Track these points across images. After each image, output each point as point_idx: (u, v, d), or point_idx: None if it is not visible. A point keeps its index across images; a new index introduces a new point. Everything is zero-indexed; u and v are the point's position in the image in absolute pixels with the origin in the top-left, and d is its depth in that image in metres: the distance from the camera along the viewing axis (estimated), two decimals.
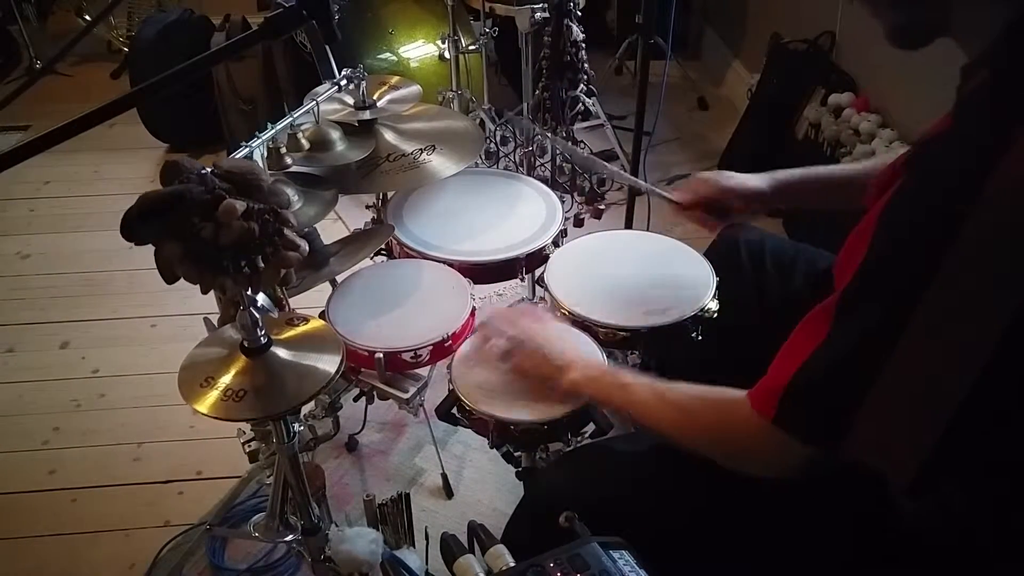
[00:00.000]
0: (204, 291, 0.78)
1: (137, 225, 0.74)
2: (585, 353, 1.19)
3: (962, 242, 0.64)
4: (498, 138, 2.49)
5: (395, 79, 1.54)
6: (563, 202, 1.58)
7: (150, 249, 0.77)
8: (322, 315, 1.32)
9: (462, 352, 1.24)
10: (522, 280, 1.58)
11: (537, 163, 2.34)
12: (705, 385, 0.92)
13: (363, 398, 1.44)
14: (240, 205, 0.75)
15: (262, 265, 0.78)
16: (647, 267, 1.36)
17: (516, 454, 1.25)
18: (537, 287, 1.74)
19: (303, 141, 1.28)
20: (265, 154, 1.20)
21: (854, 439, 0.73)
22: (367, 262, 1.43)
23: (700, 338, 1.25)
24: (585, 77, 2.26)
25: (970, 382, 0.66)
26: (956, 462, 0.71)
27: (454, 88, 2.45)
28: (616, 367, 1.13)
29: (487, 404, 1.15)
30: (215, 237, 0.74)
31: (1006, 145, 0.63)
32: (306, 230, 1.24)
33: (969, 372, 0.66)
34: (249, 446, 1.25)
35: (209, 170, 0.77)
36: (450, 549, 0.83)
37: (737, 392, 0.85)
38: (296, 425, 1.01)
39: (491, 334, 1.20)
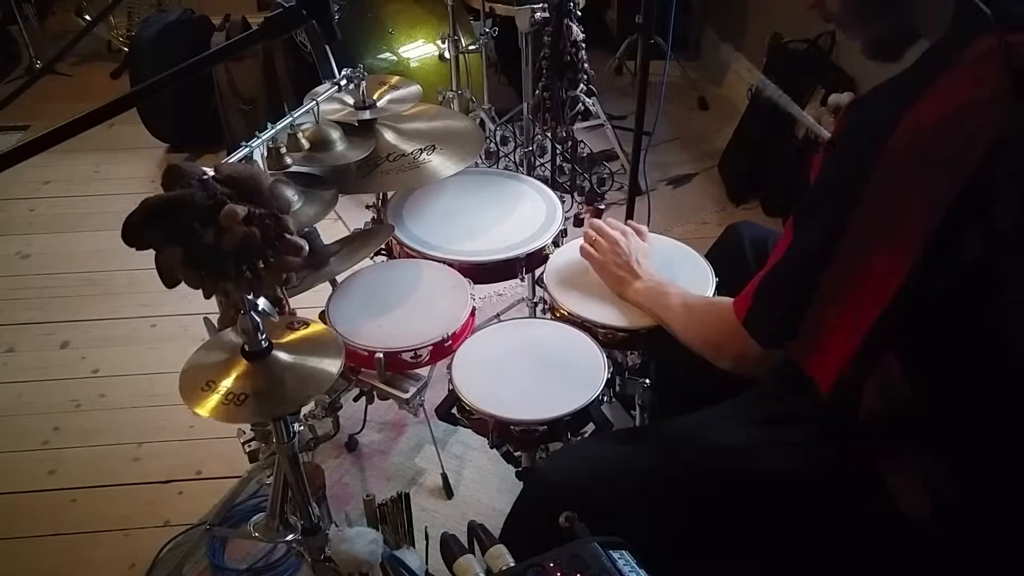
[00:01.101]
0: (206, 296, 0.78)
1: (138, 230, 0.74)
2: (583, 360, 1.24)
3: (874, 178, 0.73)
4: (498, 138, 2.49)
5: (395, 79, 1.54)
6: (563, 202, 1.58)
7: (151, 250, 0.77)
8: (322, 315, 1.32)
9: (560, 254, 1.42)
10: (522, 280, 1.58)
11: (537, 163, 2.34)
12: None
13: (363, 398, 1.44)
14: (241, 210, 0.75)
15: (263, 269, 0.78)
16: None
17: (516, 454, 1.25)
18: (537, 287, 1.74)
19: (303, 141, 1.28)
20: (265, 154, 1.20)
21: (798, 341, 0.84)
22: (367, 262, 1.43)
23: None
24: (585, 77, 2.26)
25: (887, 297, 0.75)
26: (870, 371, 0.81)
27: (454, 88, 2.45)
28: (675, 286, 1.22)
29: (488, 404, 1.15)
30: (216, 242, 0.74)
31: (909, 107, 0.71)
32: (306, 230, 1.24)
33: (886, 289, 0.75)
34: (249, 446, 1.25)
35: (210, 175, 0.77)
36: (450, 549, 0.83)
37: (728, 300, 0.98)
38: (296, 425, 1.01)
39: (592, 231, 1.35)
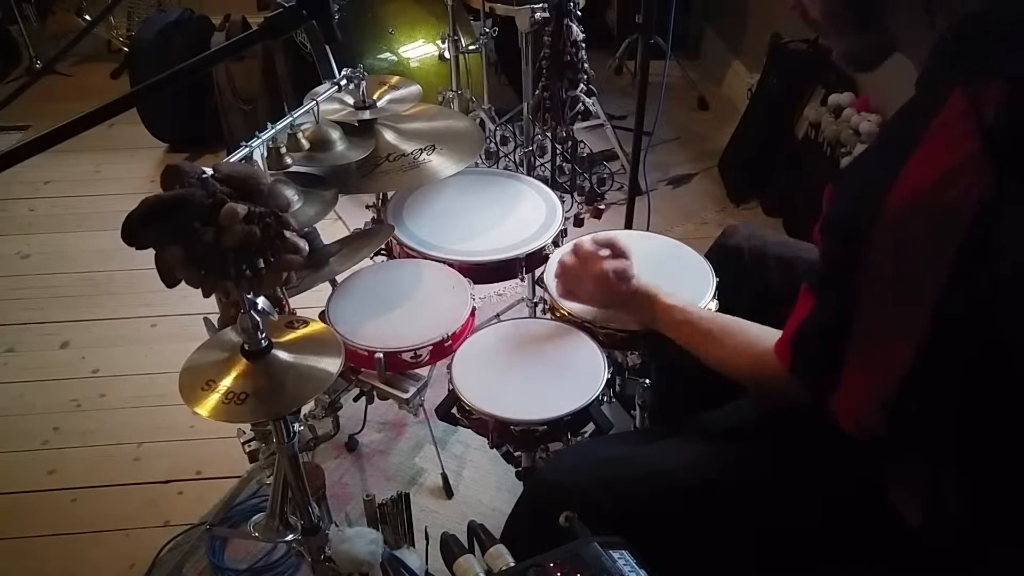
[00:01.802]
0: (206, 295, 0.78)
1: (138, 229, 0.74)
2: (582, 361, 1.23)
3: (874, 254, 0.73)
4: (498, 138, 2.49)
5: (395, 79, 1.54)
6: (563, 202, 1.58)
7: (151, 249, 0.77)
8: (322, 315, 1.32)
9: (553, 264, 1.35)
10: (522, 280, 1.58)
11: (537, 163, 2.34)
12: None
13: (363, 398, 1.44)
14: (241, 209, 0.75)
15: (263, 268, 0.78)
16: (647, 267, 1.35)
17: (516, 454, 1.25)
18: (537, 287, 1.74)
19: (303, 141, 1.28)
20: (265, 154, 1.20)
21: (838, 397, 0.82)
22: (367, 262, 1.43)
23: None
24: (585, 77, 2.26)
25: (914, 350, 0.75)
26: (916, 417, 0.80)
27: (454, 88, 2.44)
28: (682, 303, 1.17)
29: (488, 404, 1.15)
30: (216, 241, 0.74)
31: (901, 165, 0.71)
32: (306, 230, 1.24)
33: (907, 347, 0.75)
34: (249, 446, 1.25)
35: (210, 174, 0.77)
36: (450, 549, 0.83)
37: (768, 340, 0.96)
38: (296, 425, 1.01)
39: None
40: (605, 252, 1.26)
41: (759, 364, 0.97)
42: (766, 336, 0.97)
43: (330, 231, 1.41)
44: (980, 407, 0.78)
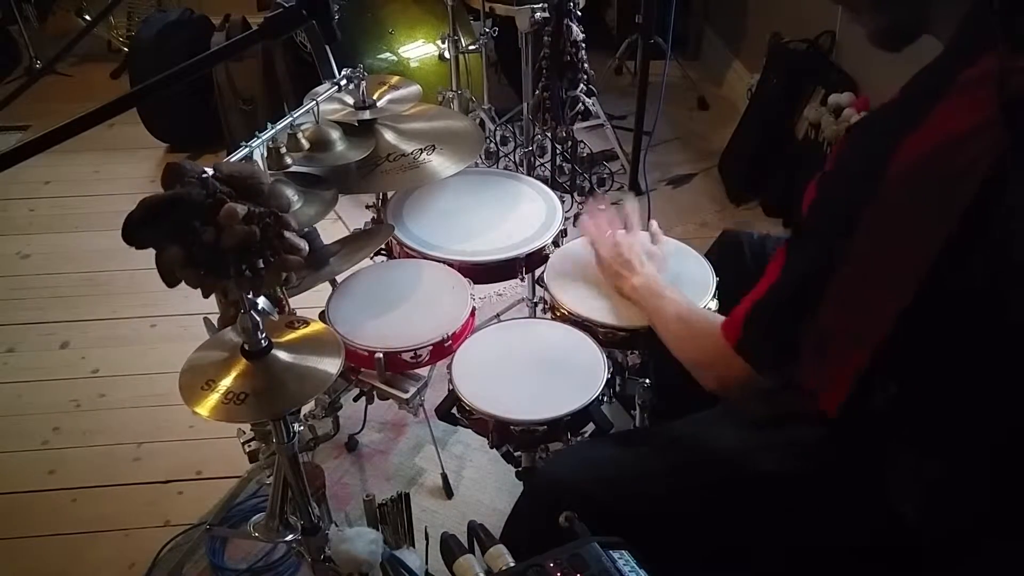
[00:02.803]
0: (205, 295, 0.78)
1: (138, 229, 0.74)
2: (582, 361, 1.23)
3: (874, 204, 0.72)
4: (498, 138, 2.49)
5: (395, 79, 1.54)
6: (563, 202, 1.58)
7: (151, 250, 0.77)
8: (322, 315, 1.32)
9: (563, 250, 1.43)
10: (522, 280, 1.58)
11: (537, 163, 2.34)
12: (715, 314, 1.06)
13: (363, 398, 1.44)
14: (241, 209, 0.75)
15: (263, 268, 0.78)
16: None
17: (516, 454, 1.25)
18: (537, 287, 1.74)
19: (303, 141, 1.28)
20: (265, 154, 1.20)
21: (798, 367, 0.82)
22: (367, 262, 1.43)
23: None
24: (585, 77, 2.27)
25: (887, 325, 0.74)
26: (877, 392, 0.81)
27: (454, 88, 2.44)
28: (673, 289, 1.20)
29: (488, 404, 1.15)
30: (216, 241, 0.74)
31: (919, 121, 0.70)
32: (306, 230, 1.24)
33: (886, 316, 0.74)
34: (249, 446, 1.25)
35: (210, 174, 0.77)
36: (450, 549, 0.83)
37: (719, 319, 0.95)
38: (296, 425, 1.01)
39: (600, 232, 1.34)
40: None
41: (714, 346, 0.93)
42: (718, 317, 0.97)
43: (330, 231, 1.41)
44: (972, 394, 0.78)
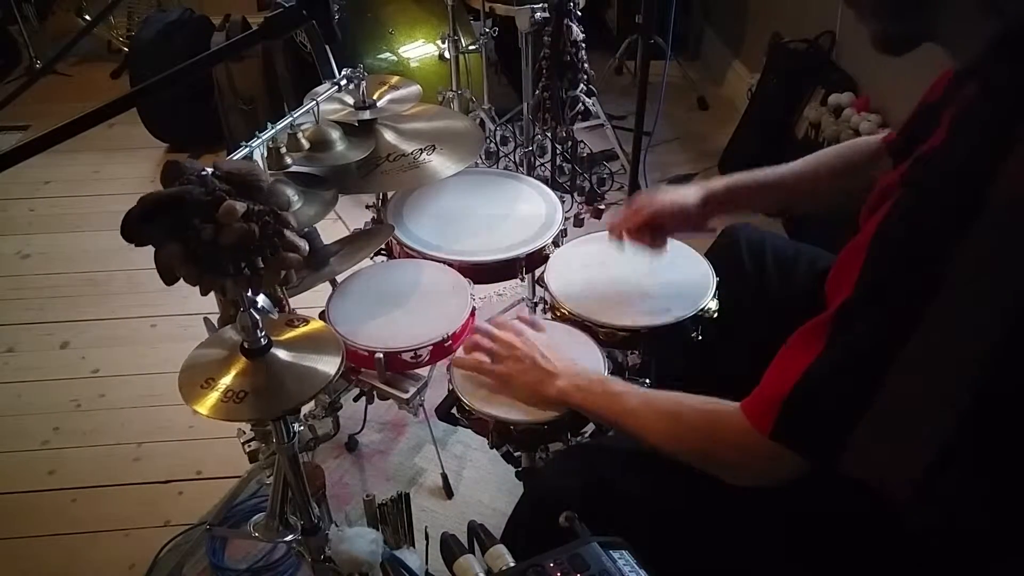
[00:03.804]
0: (204, 293, 0.78)
1: (137, 226, 0.74)
2: (582, 362, 1.16)
3: (961, 258, 0.64)
4: (498, 138, 2.49)
5: (395, 79, 1.54)
6: (563, 202, 1.58)
7: (150, 249, 0.77)
8: (322, 315, 1.32)
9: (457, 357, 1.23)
10: (522, 280, 1.58)
11: (537, 163, 2.34)
12: (694, 395, 0.92)
13: (363, 398, 1.44)
14: (240, 207, 0.75)
15: (262, 266, 0.78)
16: (647, 267, 1.36)
17: (516, 454, 1.25)
18: (537, 287, 1.74)
19: (303, 141, 1.28)
20: (265, 154, 1.20)
21: (852, 453, 0.73)
22: (367, 262, 1.42)
23: (700, 338, 1.25)
24: (585, 77, 2.27)
25: (968, 400, 0.66)
26: (955, 475, 0.72)
27: (454, 88, 2.45)
28: (608, 377, 1.11)
29: (487, 405, 1.15)
30: (215, 239, 0.74)
31: (1004, 160, 0.63)
32: (306, 230, 1.24)
33: (967, 390, 0.66)
34: (249, 446, 1.25)
35: (209, 171, 0.77)
36: (450, 549, 0.83)
37: (729, 404, 0.85)
38: (296, 425, 1.01)
39: (481, 341, 1.19)
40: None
41: (719, 429, 0.85)
42: (721, 401, 0.88)
43: (330, 231, 1.41)
44: (994, 412, 0.74)
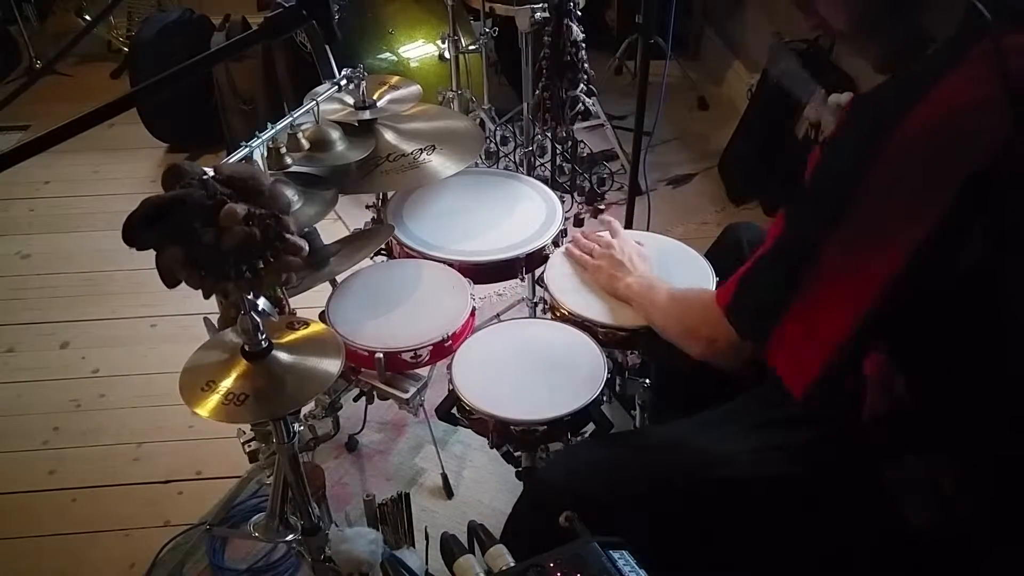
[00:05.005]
0: (206, 296, 0.78)
1: (139, 230, 0.74)
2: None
3: (874, 173, 0.73)
4: (498, 138, 2.49)
5: (395, 79, 1.54)
6: (563, 202, 1.58)
7: (151, 250, 0.77)
8: (322, 315, 1.32)
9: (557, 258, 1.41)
10: (522, 280, 1.58)
11: (537, 163, 2.34)
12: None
13: (363, 398, 1.44)
14: (241, 210, 0.75)
15: (263, 269, 0.78)
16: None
17: (516, 454, 1.25)
18: (537, 287, 1.74)
19: (303, 141, 1.28)
20: (265, 154, 1.20)
21: (776, 337, 0.83)
22: (367, 262, 1.43)
23: None
24: (585, 77, 2.26)
25: (873, 296, 0.75)
26: (844, 380, 0.82)
27: (454, 88, 2.44)
28: (663, 286, 1.22)
29: (487, 404, 1.15)
30: (217, 242, 0.74)
31: (916, 101, 0.71)
32: (306, 230, 1.24)
33: (874, 287, 0.75)
34: (249, 446, 1.25)
35: (210, 175, 0.77)
36: (450, 549, 0.83)
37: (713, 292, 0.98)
38: (296, 425, 1.01)
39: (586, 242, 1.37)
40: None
41: (703, 312, 0.97)
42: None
43: (330, 231, 1.41)
44: (971, 392, 0.77)
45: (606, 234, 1.37)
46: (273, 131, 1.20)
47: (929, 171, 0.71)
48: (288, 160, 1.24)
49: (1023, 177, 0.68)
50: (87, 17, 3.62)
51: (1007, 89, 0.67)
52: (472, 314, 1.32)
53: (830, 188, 0.79)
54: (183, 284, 0.78)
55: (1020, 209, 0.69)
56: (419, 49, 2.70)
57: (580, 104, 2.38)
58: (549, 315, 1.37)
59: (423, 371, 1.31)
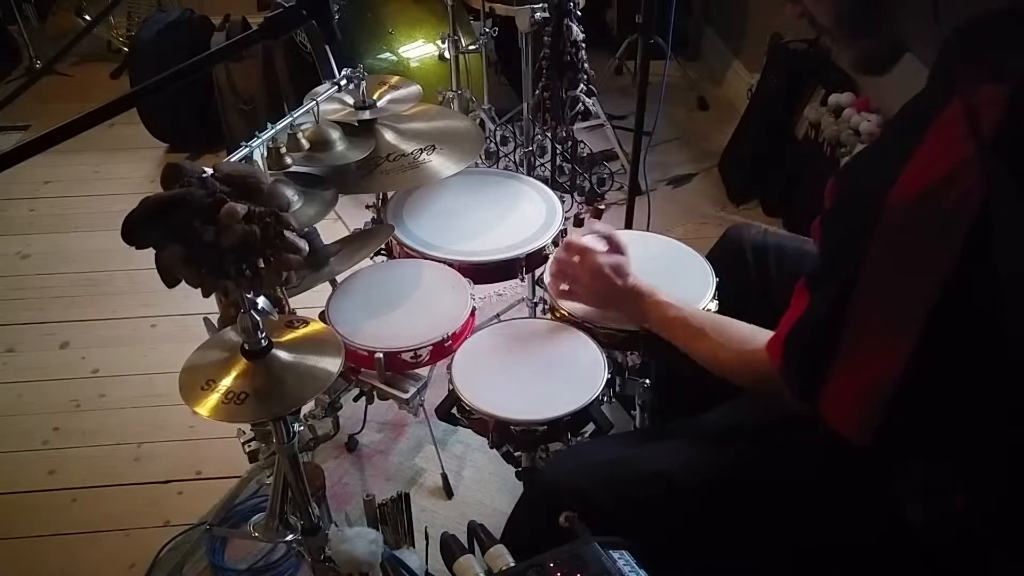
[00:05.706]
0: (206, 294, 0.78)
1: (138, 229, 0.74)
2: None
3: (873, 245, 0.73)
4: (498, 138, 2.49)
5: (395, 79, 1.54)
6: (563, 202, 1.58)
7: (151, 249, 0.77)
8: (322, 315, 1.32)
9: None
10: (522, 280, 1.58)
11: (537, 163, 2.34)
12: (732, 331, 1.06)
13: (363, 398, 1.44)
14: (241, 208, 0.75)
15: (263, 268, 0.78)
16: (646, 267, 1.35)
17: (516, 454, 1.25)
18: (537, 287, 1.74)
19: (303, 141, 1.28)
20: (265, 154, 1.20)
21: (826, 396, 0.81)
22: (367, 262, 1.43)
23: None
24: (585, 77, 2.26)
25: (906, 353, 0.73)
26: (907, 426, 0.79)
27: (454, 88, 2.45)
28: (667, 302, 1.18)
29: (488, 404, 1.15)
30: (216, 241, 0.74)
31: (902, 170, 0.70)
32: (306, 230, 1.24)
33: (904, 345, 0.73)
34: (249, 446, 1.25)
35: (210, 173, 0.77)
36: (450, 549, 0.83)
37: (760, 342, 0.95)
38: (296, 425, 1.02)
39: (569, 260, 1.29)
40: (602, 247, 1.26)
41: (751, 363, 0.96)
42: (759, 335, 0.97)
43: (330, 231, 1.41)
44: (981, 406, 0.77)
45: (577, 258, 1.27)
46: (273, 131, 1.20)
47: (925, 239, 0.71)
48: (288, 160, 1.24)
49: (1009, 229, 0.67)
50: (87, 17, 3.62)
51: (979, 147, 0.67)
52: (472, 314, 1.32)
53: (838, 262, 0.80)
54: (183, 284, 0.78)
55: (1011, 258, 0.69)
56: (419, 49, 2.70)
57: (580, 104, 2.38)
58: (549, 315, 1.37)
59: (423, 371, 1.31)
